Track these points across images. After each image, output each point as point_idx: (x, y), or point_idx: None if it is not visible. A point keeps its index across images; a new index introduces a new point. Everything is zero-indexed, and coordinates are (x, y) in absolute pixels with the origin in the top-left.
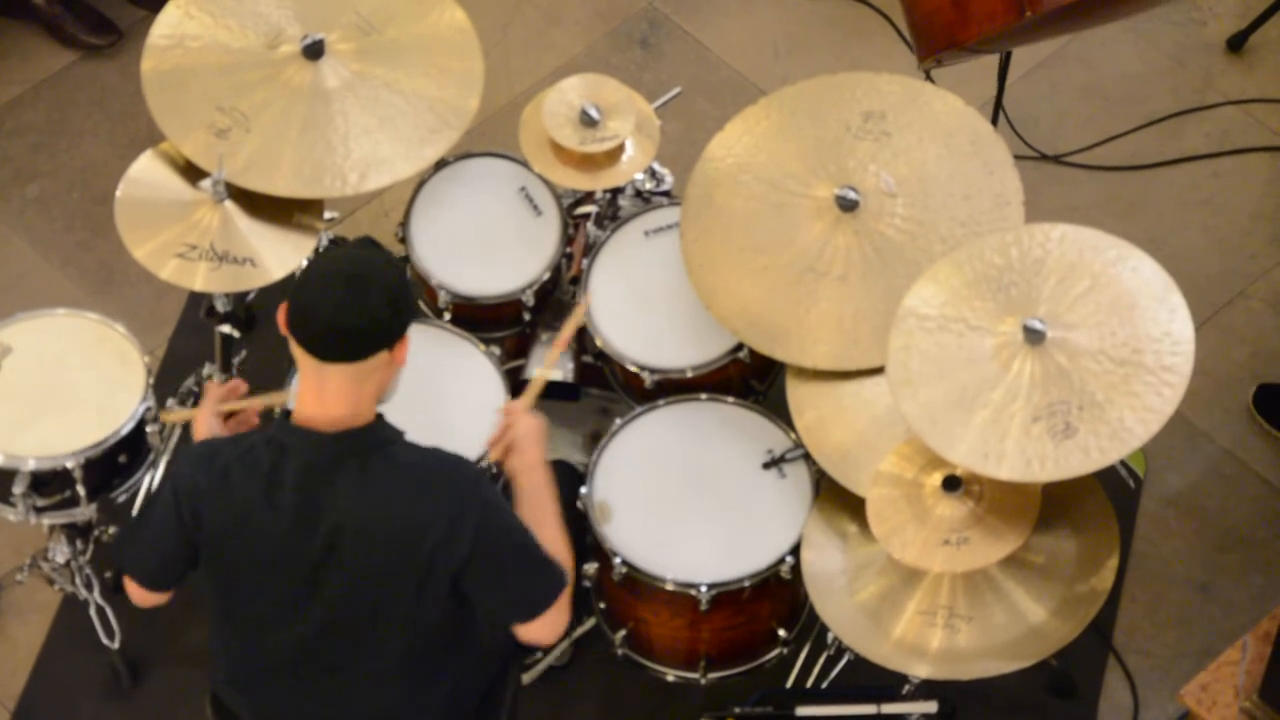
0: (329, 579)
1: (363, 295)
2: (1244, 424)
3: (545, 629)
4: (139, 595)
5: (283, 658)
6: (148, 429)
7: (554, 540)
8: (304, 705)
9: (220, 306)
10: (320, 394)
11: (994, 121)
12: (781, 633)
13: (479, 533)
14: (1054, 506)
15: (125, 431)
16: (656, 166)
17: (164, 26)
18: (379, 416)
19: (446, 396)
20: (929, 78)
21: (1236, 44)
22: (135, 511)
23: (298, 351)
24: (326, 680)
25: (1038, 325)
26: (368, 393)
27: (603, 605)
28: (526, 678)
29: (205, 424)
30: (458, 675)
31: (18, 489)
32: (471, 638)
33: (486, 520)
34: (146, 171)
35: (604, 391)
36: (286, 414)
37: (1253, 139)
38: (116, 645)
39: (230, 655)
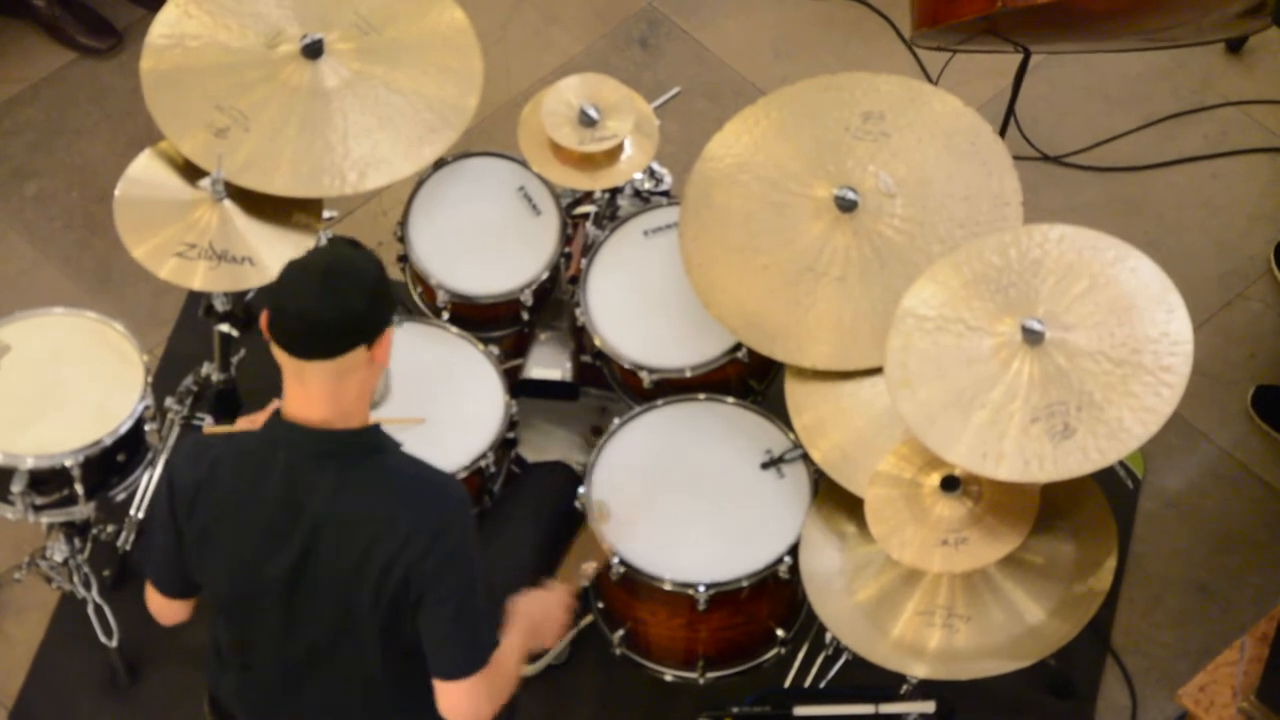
0: (306, 577)
1: (337, 288)
2: (1243, 425)
3: (457, 701)
4: (159, 606)
5: (278, 660)
6: (146, 428)
7: (509, 645)
8: (299, 712)
9: (219, 305)
10: (305, 394)
11: (1005, 122)
12: (780, 632)
13: (447, 558)
14: (1052, 507)
15: (124, 430)
16: (655, 166)
17: (163, 26)
18: (376, 426)
19: (445, 395)
20: (919, 64)
21: (1235, 45)
22: (135, 511)
23: (278, 353)
24: (317, 685)
25: (1036, 326)
26: (350, 392)
27: (601, 605)
28: (528, 670)
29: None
30: None
31: (16, 487)
32: None
33: (457, 550)
34: (145, 170)
35: (603, 391)
36: (277, 412)
37: (1252, 140)
38: (115, 644)
39: (230, 662)
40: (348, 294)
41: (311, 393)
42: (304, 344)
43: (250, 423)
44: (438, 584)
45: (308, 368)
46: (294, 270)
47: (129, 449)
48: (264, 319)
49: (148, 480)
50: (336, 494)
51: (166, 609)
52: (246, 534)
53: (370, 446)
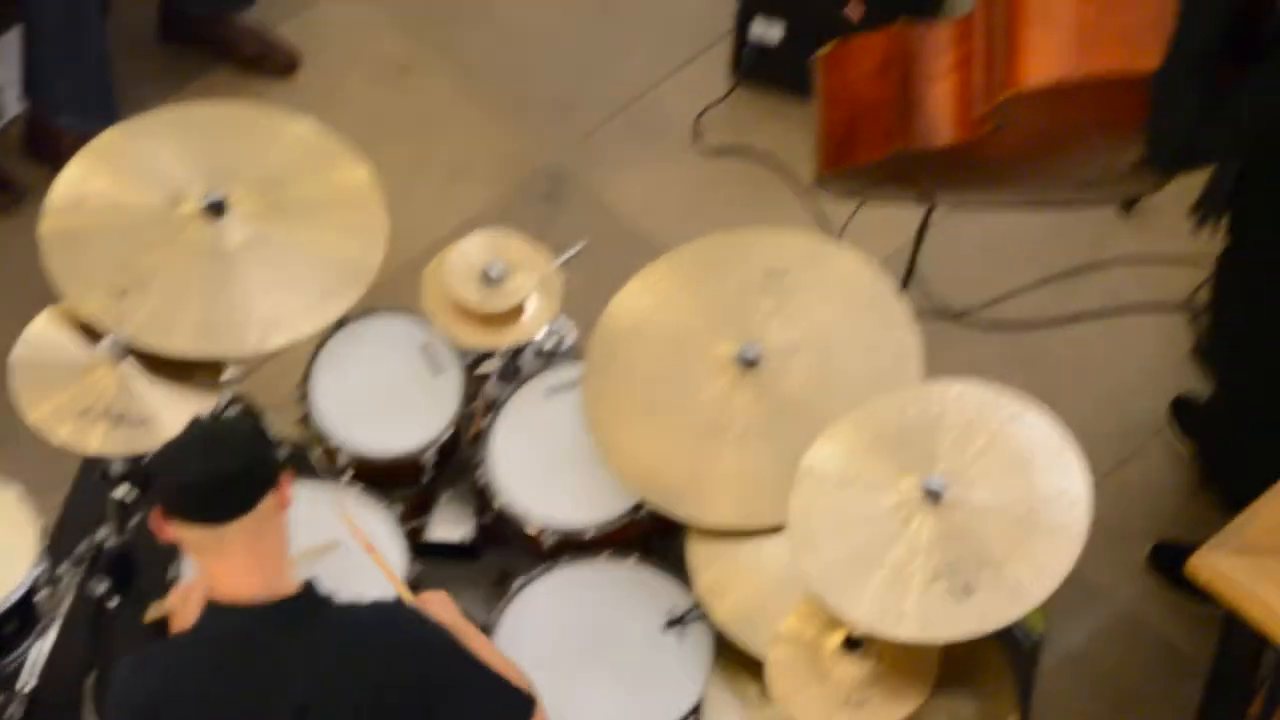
0: None
1: (227, 444)
2: (1141, 581)
3: None
4: None
5: None
6: (37, 597)
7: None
8: None
9: (115, 469)
10: (228, 569)
11: (907, 278)
12: None
13: (441, 683)
14: (954, 666)
15: (13, 600)
16: (558, 323)
17: (64, 185)
18: (308, 584)
19: (346, 561)
20: (821, 221)
21: (1128, 205)
22: (22, 684)
23: (190, 534)
24: None
25: (936, 485)
26: (271, 549)
27: None
28: None
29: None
30: None
31: None
32: None
33: (441, 663)
34: (43, 333)
35: (504, 551)
36: (211, 605)
37: (1145, 297)
38: None
39: None
40: (238, 445)
41: (235, 563)
42: (223, 503)
43: (181, 597)
44: (445, 700)
45: (228, 532)
46: (174, 450)
47: (19, 618)
48: (159, 520)
49: (37, 651)
50: (308, 666)
51: None
52: None
53: (313, 607)
